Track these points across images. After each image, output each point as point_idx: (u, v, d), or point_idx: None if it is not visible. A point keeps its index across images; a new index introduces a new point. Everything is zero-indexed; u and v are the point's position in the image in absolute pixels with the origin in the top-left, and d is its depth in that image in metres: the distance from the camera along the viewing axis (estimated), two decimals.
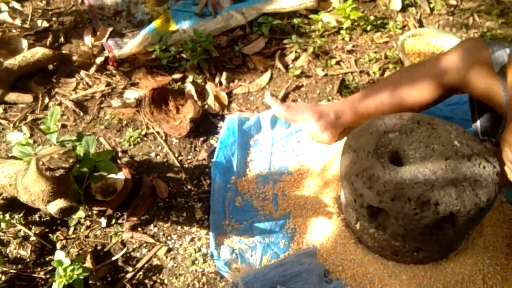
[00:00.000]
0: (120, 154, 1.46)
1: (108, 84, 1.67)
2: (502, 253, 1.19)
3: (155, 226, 1.29)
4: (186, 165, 1.44)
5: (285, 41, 1.83)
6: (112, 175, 1.26)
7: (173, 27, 1.88)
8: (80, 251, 1.23)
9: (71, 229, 1.27)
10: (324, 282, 1.12)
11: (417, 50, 1.73)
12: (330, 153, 1.39)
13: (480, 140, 1.35)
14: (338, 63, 1.80)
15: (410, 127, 1.08)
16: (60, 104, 1.60)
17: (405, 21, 1.95)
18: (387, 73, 1.73)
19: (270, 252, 1.22)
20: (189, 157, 1.46)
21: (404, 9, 2.00)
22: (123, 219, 1.29)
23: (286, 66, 1.78)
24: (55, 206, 0.99)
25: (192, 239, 1.26)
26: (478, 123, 1.31)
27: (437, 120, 1.11)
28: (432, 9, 2.00)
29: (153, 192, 1.35)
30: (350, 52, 1.84)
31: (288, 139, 1.49)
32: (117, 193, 1.28)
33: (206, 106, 1.61)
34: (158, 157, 1.46)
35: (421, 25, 1.94)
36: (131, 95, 1.62)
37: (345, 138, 1.22)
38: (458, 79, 1.19)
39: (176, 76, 1.70)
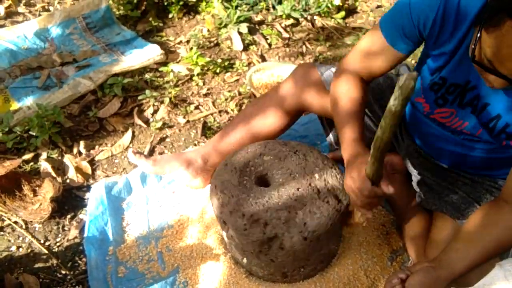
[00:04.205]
0: None
1: None
2: (375, 245, 1.31)
3: None
4: (56, 249, 1.31)
5: (140, 97, 1.82)
6: None
7: (14, 106, 1.74)
8: None
9: None
10: None
11: (264, 83, 1.88)
12: (205, 197, 1.40)
13: (334, 149, 1.51)
14: (197, 107, 1.85)
15: (284, 154, 1.15)
16: None
17: (249, 58, 2.11)
18: (244, 108, 1.84)
19: None
20: (58, 239, 1.34)
21: (246, 48, 2.17)
22: None
23: (146, 121, 1.77)
24: None
25: None
26: (330, 135, 1.46)
27: (312, 150, 1.17)
28: (270, 44, 2.21)
29: None
30: (206, 95, 1.91)
31: (162, 193, 1.46)
32: None
33: (68, 181, 1.50)
34: (20, 249, 1.30)
35: (264, 59, 2.12)
36: None
37: None
38: (297, 102, 1.31)
39: (27, 156, 1.57)
